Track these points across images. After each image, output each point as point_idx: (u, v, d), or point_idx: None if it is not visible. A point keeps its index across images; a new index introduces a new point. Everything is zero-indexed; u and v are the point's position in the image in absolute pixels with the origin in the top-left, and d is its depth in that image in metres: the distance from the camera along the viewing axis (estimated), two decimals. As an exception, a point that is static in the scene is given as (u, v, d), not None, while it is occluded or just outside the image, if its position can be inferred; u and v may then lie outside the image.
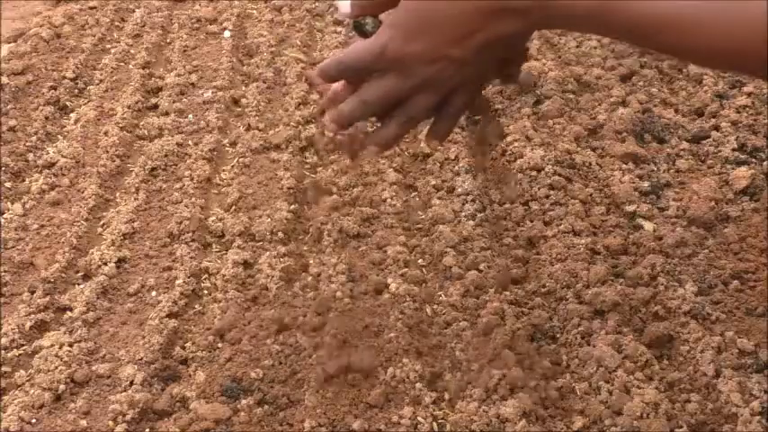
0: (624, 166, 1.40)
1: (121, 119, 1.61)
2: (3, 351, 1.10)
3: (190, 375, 1.05)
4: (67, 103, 1.71)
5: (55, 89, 1.73)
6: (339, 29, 1.98)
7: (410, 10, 0.79)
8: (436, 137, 0.91)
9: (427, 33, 0.78)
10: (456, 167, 1.41)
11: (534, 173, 1.38)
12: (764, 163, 1.39)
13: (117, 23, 2.07)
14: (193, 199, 1.38)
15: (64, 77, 1.78)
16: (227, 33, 1.96)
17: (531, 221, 1.29)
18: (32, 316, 1.15)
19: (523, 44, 0.89)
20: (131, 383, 1.03)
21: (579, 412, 0.96)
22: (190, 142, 1.56)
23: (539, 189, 1.34)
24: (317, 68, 0.87)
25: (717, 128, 1.50)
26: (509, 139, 1.48)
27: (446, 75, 0.81)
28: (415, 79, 0.81)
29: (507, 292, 1.15)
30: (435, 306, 1.14)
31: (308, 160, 1.49)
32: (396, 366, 1.03)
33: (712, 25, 0.72)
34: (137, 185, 1.43)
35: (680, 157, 1.43)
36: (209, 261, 1.25)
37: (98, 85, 1.78)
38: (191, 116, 1.65)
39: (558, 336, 1.09)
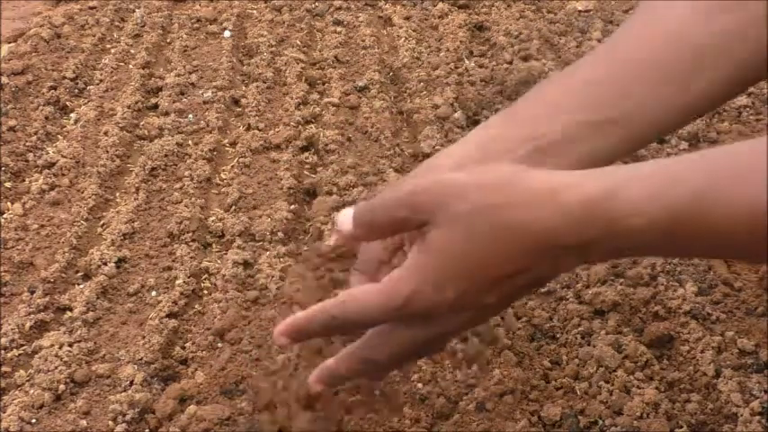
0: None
1: (121, 119, 1.61)
2: (3, 351, 1.10)
3: (190, 375, 1.05)
4: (67, 103, 1.71)
5: (55, 89, 1.73)
6: (339, 29, 1.98)
7: (441, 252, 0.62)
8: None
9: (462, 279, 0.62)
10: (456, 167, 1.41)
11: (534, 173, 1.37)
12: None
13: (117, 23, 2.07)
14: (193, 199, 1.37)
15: (64, 77, 1.78)
16: (227, 33, 1.96)
17: (531, 221, 1.29)
18: (32, 316, 1.15)
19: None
20: (131, 383, 1.03)
21: (579, 412, 0.96)
22: (190, 142, 1.56)
23: (539, 189, 1.34)
24: (291, 323, 0.67)
25: (717, 129, 1.50)
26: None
27: (474, 321, 0.66)
28: (437, 329, 0.64)
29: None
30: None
31: (307, 160, 1.49)
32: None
33: None
34: (137, 185, 1.43)
35: (680, 157, 1.43)
36: (209, 261, 1.25)
37: (98, 85, 1.78)
38: (191, 116, 1.65)
39: (558, 336, 1.09)
